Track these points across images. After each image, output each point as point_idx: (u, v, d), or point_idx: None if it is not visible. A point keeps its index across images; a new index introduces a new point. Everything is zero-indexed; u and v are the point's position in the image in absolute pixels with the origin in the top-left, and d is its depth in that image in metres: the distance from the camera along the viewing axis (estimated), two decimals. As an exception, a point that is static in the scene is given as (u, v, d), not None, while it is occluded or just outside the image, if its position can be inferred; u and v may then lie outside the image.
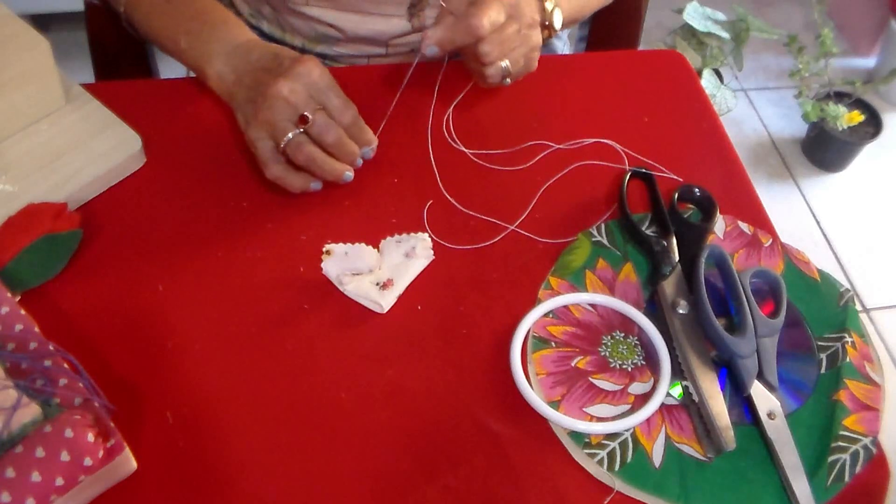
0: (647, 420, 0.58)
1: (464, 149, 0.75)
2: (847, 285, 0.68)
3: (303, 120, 0.64)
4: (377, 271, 0.65)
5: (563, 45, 1.04)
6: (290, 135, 0.64)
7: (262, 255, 0.66)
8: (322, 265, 0.65)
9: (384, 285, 0.64)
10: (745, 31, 1.78)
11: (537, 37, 0.71)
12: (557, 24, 0.75)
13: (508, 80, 0.71)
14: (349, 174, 0.68)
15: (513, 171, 0.74)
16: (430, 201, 0.71)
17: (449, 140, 0.75)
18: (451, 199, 0.71)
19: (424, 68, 0.84)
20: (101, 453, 0.50)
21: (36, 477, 0.48)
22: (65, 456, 0.49)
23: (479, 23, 0.65)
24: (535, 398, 0.58)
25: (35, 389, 0.53)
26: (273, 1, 0.86)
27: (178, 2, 0.75)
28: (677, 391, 0.60)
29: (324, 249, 0.66)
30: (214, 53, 0.70)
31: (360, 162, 0.68)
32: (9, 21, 0.69)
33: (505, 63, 0.69)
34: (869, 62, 2.21)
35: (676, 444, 0.58)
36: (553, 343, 0.62)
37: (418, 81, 0.80)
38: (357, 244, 0.67)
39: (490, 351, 0.62)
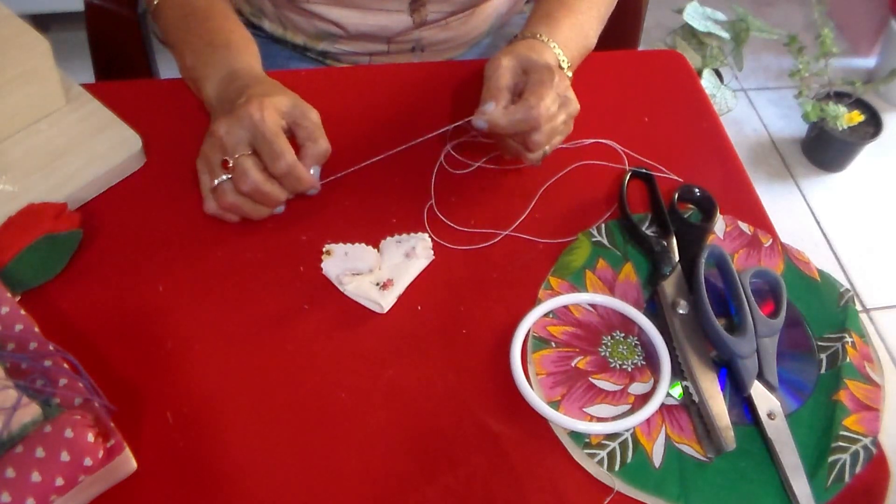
0: (647, 420, 0.58)
1: (464, 159, 0.75)
2: (847, 285, 0.68)
3: (224, 165, 0.63)
4: (377, 271, 0.65)
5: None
6: (221, 178, 0.64)
7: (263, 256, 0.66)
8: (322, 265, 0.65)
9: (384, 285, 0.64)
10: (745, 31, 1.78)
11: (571, 124, 0.71)
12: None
13: (539, 161, 0.70)
14: (279, 208, 0.68)
15: (513, 172, 0.74)
16: (431, 201, 0.71)
17: (449, 141, 0.75)
18: (450, 199, 0.71)
19: (426, 69, 0.84)
20: (101, 453, 0.50)
21: (36, 477, 0.48)
22: (65, 456, 0.49)
23: (539, 114, 0.64)
24: (535, 398, 0.58)
25: (35, 389, 0.53)
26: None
27: (192, 18, 0.76)
28: (677, 391, 0.60)
29: (324, 249, 0.66)
30: (209, 77, 0.70)
31: (283, 205, 0.67)
32: (9, 21, 0.69)
33: (548, 148, 0.69)
34: (869, 62, 2.21)
35: (676, 445, 0.58)
36: (553, 343, 0.62)
37: (419, 82, 0.80)
38: (357, 244, 0.67)
39: (490, 351, 0.62)
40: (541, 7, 0.79)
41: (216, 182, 0.64)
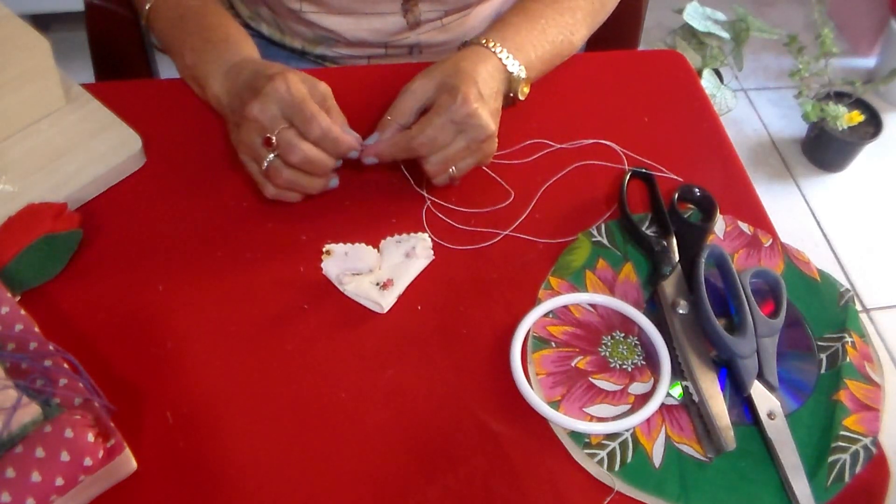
0: (647, 420, 0.58)
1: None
2: (847, 285, 0.68)
3: (267, 142, 0.63)
4: (377, 271, 0.65)
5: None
6: (269, 158, 0.64)
7: (262, 256, 0.66)
8: (322, 265, 0.65)
9: (384, 285, 0.64)
10: (745, 31, 1.78)
11: (492, 145, 0.68)
12: (522, 96, 0.75)
13: (456, 181, 0.70)
14: (334, 181, 0.67)
15: (513, 172, 0.74)
16: (430, 201, 0.71)
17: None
18: (451, 198, 0.71)
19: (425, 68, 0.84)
20: (101, 453, 0.50)
21: (36, 477, 0.48)
22: (65, 456, 0.49)
23: (420, 143, 0.65)
24: (535, 398, 0.58)
25: (35, 389, 0.53)
26: (271, 4, 0.86)
27: (188, 17, 0.76)
28: (677, 391, 0.60)
29: (324, 249, 0.66)
30: (212, 74, 0.70)
31: (338, 163, 0.67)
32: (9, 21, 0.69)
33: (451, 171, 0.67)
34: (869, 62, 2.21)
35: (676, 444, 0.58)
36: (553, 343, 0.62)
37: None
38: (357, 244, 0.67)
39: (490, 351, 0.62)
40: (503, 15, 0.79)
41: (266, 163, 0.64)
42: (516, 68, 0.73)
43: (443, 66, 0.70)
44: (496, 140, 0.68)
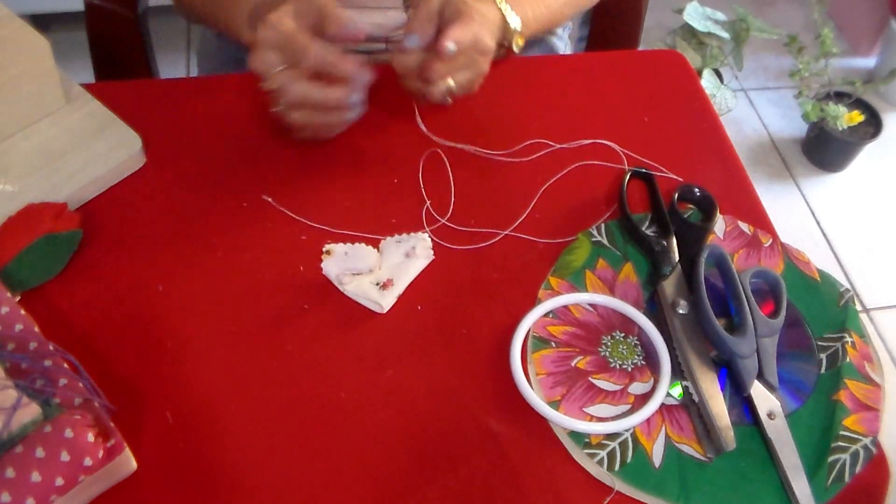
0: (647, 420, 0.58)
1: (465, 145, 0.75)
2: (847, 285, 0.68)
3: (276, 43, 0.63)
4: (377, 271, 0.65)
5: (564, 45, 1.04)
6: (277, 69, 0.63)
7: (262, 255, 0.66)
8: (322, 265, 0.65)
9: (384, 285, 0.64)
10: (745, 31, 1.78)
11: (486, 64, 0.71)
12: (517, 48, 0.75)
13: (450, 99, 0.71)
14: (355, 97, 0.66)
15: (513, 172, 0.74)
16: (430, 201, 0.71)
17: (449, 141, 0.75)
18: (451, 198, 0.71)
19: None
20: (101, 453, 0.50)
21: (36, 477, 0.48)
22: (65, 456, 0.49)
23: (445, 45, 0.65)
24: (535, 398, 0.58)
25: (35, 389, 0.53)
26: None
27: None
28: (677, 391, 0.60)
29: (324, 249, 0.66)
30: (241, 27, 0.72)
31: (363, 77, 0.66)
32: (9, 21, 0.69)
33: (451, 82, 0.69)
34: (869, 62, 2.21)
35: (676, 444, 0.58)
36: (553, 343, 0.62)
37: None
38: (357, 244, 0.67)
39: (490, 351, 0.62)
40: None
41: (275, 70, 0.63)
42: (513, 20, 0.74)
43: None
44: (484, 76, 0.71)
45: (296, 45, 0.63)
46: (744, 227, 0.71)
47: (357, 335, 0.62)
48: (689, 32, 1.79)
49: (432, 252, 0.67)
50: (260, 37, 0.64)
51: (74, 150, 0.69)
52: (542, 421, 0.59)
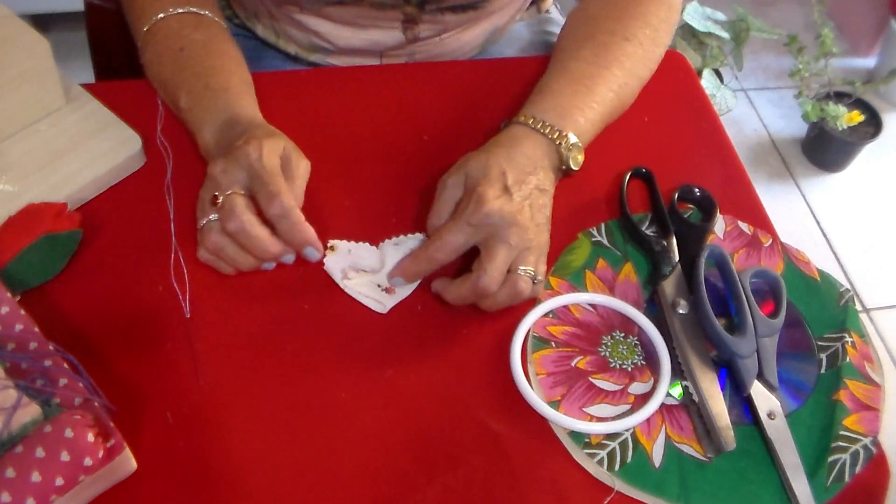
0: (647, 420, 0.58)
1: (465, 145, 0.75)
2: (847, 285, 0.68)
3: (213, 201, 0.61)
4: (379, 273, 0.65)
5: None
6: (209, 217, 0.61)
7: (262, 255, 0.66)
8: (325, 260, 0.65)
9: (386, 290, 0.64)
10: (745, 31, 1.78)
11: (519, 235, 0.61)
12: (576, 165, 0.68)
13: (539, 290, 0.64)
14: (267, 265, 0.63)
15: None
16: (430, 201, 0.71)
17: (448, 140, 0.75)
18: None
19: (423, 69, 0.84)
20: (101, 453, 0.50)
21: (36, 477, 0.48)
22: (65, 456, 0.49)
23: (434, 248, 0.61)
24: (535, 398, 0.58)
25: (35, 389, 0.53)
26: (270, 7, 0.86)
27: (190, 53, 0.71)
28: (677, 391, 0.60)
29: (328, 245, 0.66)
30: (206, 123, 0.67)
31: (289, 259, 0.63)
32: (9, 21, 0.69)
33: (523, 272, 0.62)
34: (869, 62, 2.21)
35: (676, 444, 0.58)
36: (553, 343, 0.62)
37: (418, 82, 0.80)
38: (361, 243, 0.67)
39: (490, 351, 0.62)
40: (542, 81, 0.73)
41: (204, 221, 0.61)
42: (563, 139, 0.67)
43: (475, 159, 0.64)
44: (525, 227, 0.61)
45: (270, 185, 0.60)
46: (744, 227, 0.71)
47: (357, 335, 0.62)
48: (689, 32, 1.78)
49: (432, 252, 0.67)
50: (240, 153, 0.61)
51: (74, 150, 0.69)
52: (542, 421, 0.59)
